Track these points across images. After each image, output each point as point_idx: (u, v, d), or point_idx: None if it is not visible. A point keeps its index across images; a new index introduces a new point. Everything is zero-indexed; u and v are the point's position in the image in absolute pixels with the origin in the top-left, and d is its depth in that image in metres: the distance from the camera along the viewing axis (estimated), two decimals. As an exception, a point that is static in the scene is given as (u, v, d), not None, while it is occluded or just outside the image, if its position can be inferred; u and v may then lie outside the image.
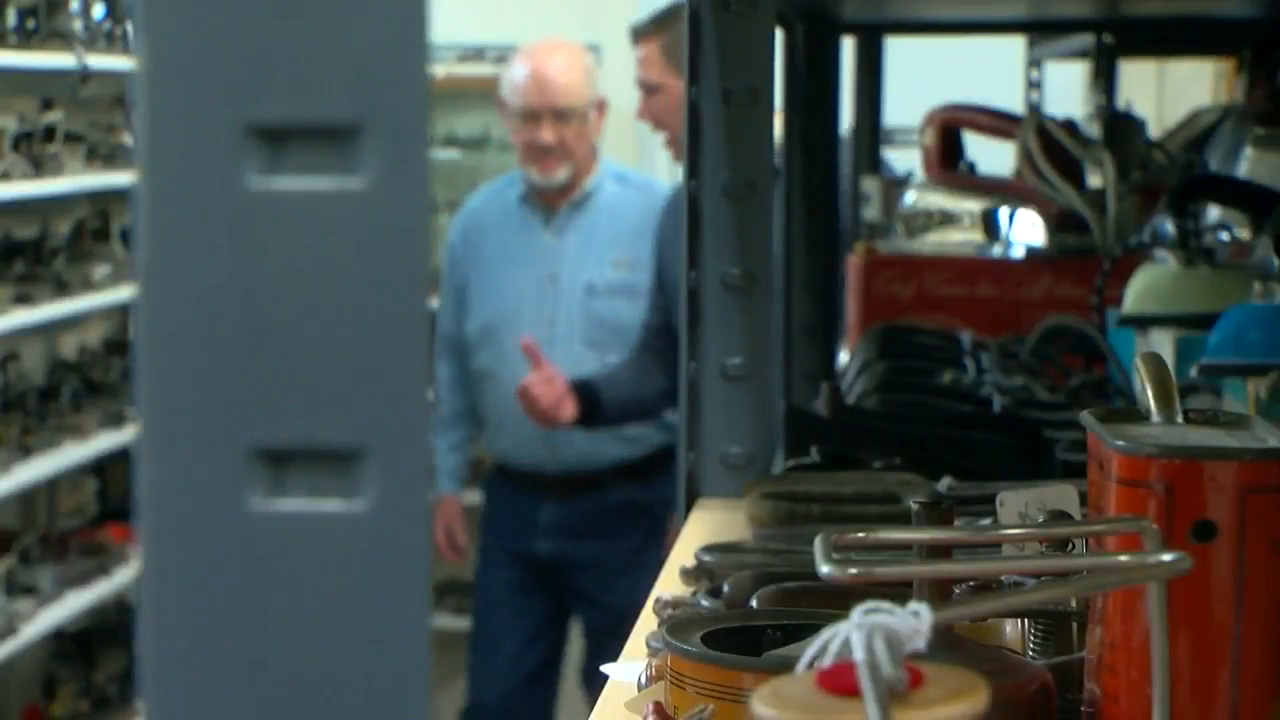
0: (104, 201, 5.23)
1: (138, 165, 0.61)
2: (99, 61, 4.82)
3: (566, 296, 4.11)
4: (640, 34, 4.23)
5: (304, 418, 0.62)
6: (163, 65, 0.60)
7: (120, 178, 4.94)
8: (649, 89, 4.19)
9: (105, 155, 5.05)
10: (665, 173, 6.08)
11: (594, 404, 3.98)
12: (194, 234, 0.61)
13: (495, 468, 4.30)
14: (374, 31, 0.60)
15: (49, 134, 4.80)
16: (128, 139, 5.09)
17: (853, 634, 0.74)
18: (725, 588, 1.38)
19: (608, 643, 4.22)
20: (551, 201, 4.17)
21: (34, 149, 4.71)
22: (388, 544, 0.62)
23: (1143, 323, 2.18)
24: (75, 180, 4.84)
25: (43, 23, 4.72)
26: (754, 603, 1.30)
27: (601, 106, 4.25)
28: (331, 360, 0.61)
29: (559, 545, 4.16)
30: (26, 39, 4.65)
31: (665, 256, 4.09)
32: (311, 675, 0.62)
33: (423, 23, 0.60)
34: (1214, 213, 2.43)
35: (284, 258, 0.61)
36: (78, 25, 4.84)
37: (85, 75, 4.81)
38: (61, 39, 4.76)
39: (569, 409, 3.92)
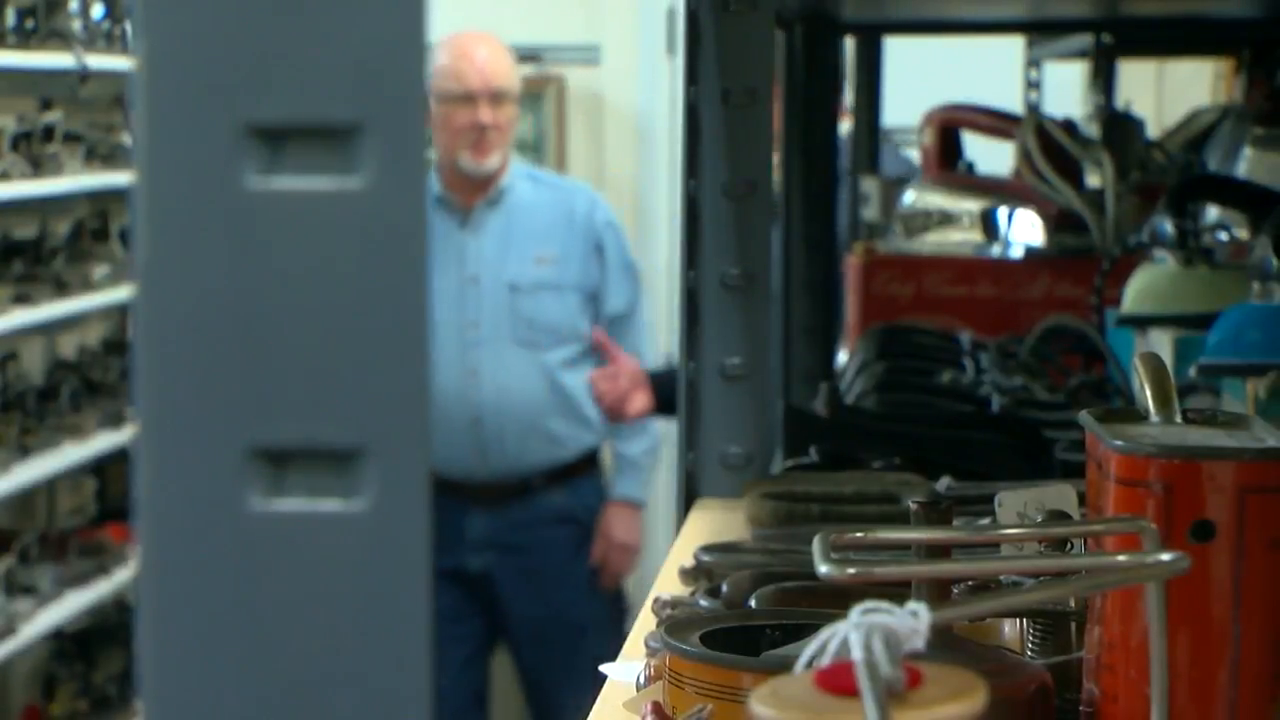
0: (103, 201, 5.23)
1: (136, 165, 0.61)
2: (98, 61, 4.82)
3: (490, 297, 4.04)
4: None
5: (303, 417, 0.62)
6: (161, 65, 0.60)
7: (119, 178, 4.94)
8: None
9: (104, 155, 5.05)
10: (665, 172, 6.08)
11: (674, 393, 3.96)
12: (192, 233, 0.61)
13: None
14: (372, 32, 0.60)
15: (48, 134, 4.80)
16: (127, 139, 5.09)
17: (851, 634, 0.74)
18: (724, 587, 1.38)
19: (545, 656, 4.15)
20: (467, 200, 4.07)
21: (33, 149, 4.71)
22: (387, 544, 0.62)
23: (1141, 323, 2.18)
24: (74, 180, 4.84)
25: (42, 23, 4.72)
26: (753, 602, 1.30)
27: (517, 99, 4.19)
28: (330, 360, 0.61)
29: (490, 559, 4.07)
30: (25, 39, 4.65)
31: None
32: (310, 675, 0.62)
33: (421, 23, 0.60)
34: (1213, 213, 2.43)
35: (283, 257, 0.61)
36: (77, 25, 4.84)
37: (84, 75, 4.81)
38: (60, 39, 4.76)
39: (639, 401, 3.91)
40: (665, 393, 3.91)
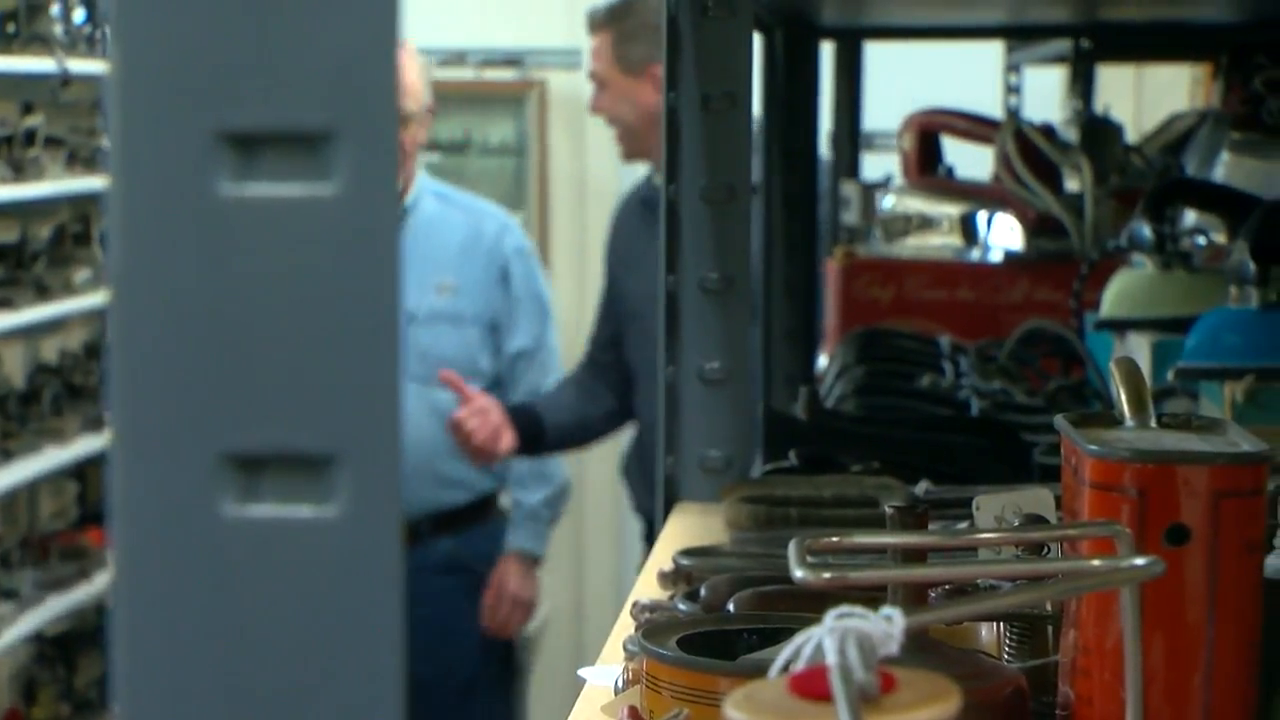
0: (84, 205, 5.22)
1: (110, 171, 0.61)
2: (79, 66, 4.81)
3: None
4: (593, 25, 3.94)
5: (276, 423, 0.62)
6: (135, 71, 0.60)
7: (101, 182, 4.92)
8: (599, 82, 3.92)
9: (86, 159, 5.04)
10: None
11: (536, 430, 3.67)
12: (166, 240, 0.61)
13: None
14: (345, 38, 0.60)
15: (30, 138, 4.79)
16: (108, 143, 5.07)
17: (825, 638, 0.74)
18: (702, 591, 1.38)
19: (432, 717, 3.73)
20: None
21: (14, 153, 4.70)
22: (359, 549, 0.62)
23: (1120, 326, 2.18)
24: (56, 184, 4.83)
25: (23, 27, 4.71)
26: (731, 606, 1.30)
27: (429, 114, 3.88)
28: (303, 366, 0.61)
29: None
30: (7, 43, 4.64)
31: (617, 261, 3.86)
32: (283, 679, 0.62)
33: (394, 30, 0.60)
34: (1190, 217, 2.43)
35: (256, 263, 0.61)
36: (58, 30, 4.83)
37: (66, 79, 4.80)
38: (42, 43, 4.75)
39: (507, 439, 3.59)
40: (525, 428, 3.65)
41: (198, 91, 0.60)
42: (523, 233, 4.12)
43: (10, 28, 4.70)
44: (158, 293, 0.61)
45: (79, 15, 4.96)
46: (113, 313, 0.62)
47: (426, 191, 3.89)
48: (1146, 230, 2.23)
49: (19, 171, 4.68)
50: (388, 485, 0.61)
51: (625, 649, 1.29)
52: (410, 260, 3.71)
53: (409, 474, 3.49)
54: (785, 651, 0.76)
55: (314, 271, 0.60)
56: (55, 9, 4.86)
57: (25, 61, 4.68)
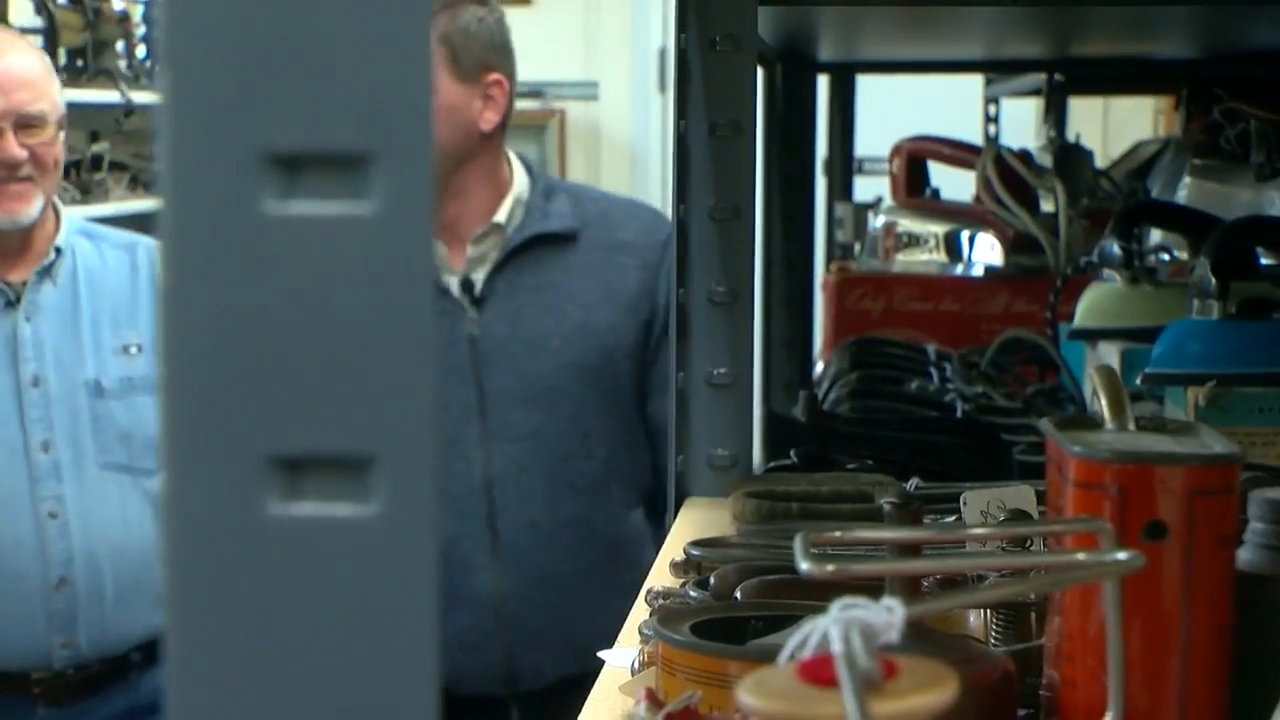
0: (145, 224, 5.21)
1: (160, 191, 0.59)
2: (141, 97, 4.82)
3: (63, 404, 2.56)
4: None
5: (318, 427, 0.60)
6: (183, 97, 0.58)
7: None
8: None
9: (146, 182, 5.04)
10: (657, 197, 6.06)
11: None
12: (213, 254, 0.59)
13: None
14: (381, 67, 0.58)
15: (96, 163, 4.79)
16: (168, 168, 5.07)
17: (831, 628, 0.72)
18: (712, 580, 1.36)
19: None
20: (12, 267, 2.61)
21: (83, 176, 4.70)
22: (397, 545, 0.60)
23: (1091, 336, 2.16)
24: (119, 205, 4.83)
25: (91, 62, 4.71)
26: (738, 594, 1.28)
27: (63, 123, 2.65)
28: (343, 373, 0.59)
29: None
30: (76, 77, 4.64)
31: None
32: (322, 671, 0.60)
33: (426, 58, 0.58)
34: (1156, 236, 2.41)
35: (298, 277, 0.59)
36: (122, 64, 4.85)
37: (129, 110, 4.80)
38: (107, 77, 4.75)
39: None
40: None
41: (243, 116, 0.58)
42: None
43: (79, 63, 4.70)
44: (206, 304, 0.59)
45: (141, 51, 4.96)
46: (164, 324, 0.60)
47: (73, 231, 2.69)
48: (1115, 248, 2.21)
49: (86, 193, 4.68)
50: (424, 485, 0.59)
51: (641, 633, 1.27)
52: (78, 318, 2.62)
53: (124, 595, 2.55)
54: (793, 640, 0.74)
55: (353, 284, 0.59)
56: (120, 46, 4.86)
57: (92, 94, 4.68)
